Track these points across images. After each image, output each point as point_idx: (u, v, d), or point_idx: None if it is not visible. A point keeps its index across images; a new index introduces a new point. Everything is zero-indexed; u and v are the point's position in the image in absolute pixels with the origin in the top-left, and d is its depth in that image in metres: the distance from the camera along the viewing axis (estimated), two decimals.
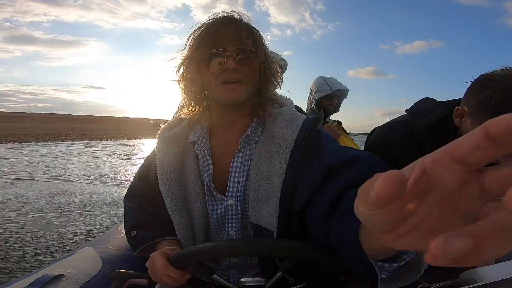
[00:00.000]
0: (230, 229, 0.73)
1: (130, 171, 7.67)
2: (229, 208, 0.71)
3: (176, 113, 1.85)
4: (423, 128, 0.82)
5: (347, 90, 1.96)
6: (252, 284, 0.63)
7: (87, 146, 14.53)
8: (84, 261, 1.07)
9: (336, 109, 1.96)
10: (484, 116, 0.72)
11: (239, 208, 0.71)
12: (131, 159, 10.50)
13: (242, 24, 0.67)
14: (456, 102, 0.84)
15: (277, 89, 0.76)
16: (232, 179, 0.71)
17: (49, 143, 14.80)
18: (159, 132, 0.77)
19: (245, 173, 0.70)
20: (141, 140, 21.42)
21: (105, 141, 18.53)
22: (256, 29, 0.69)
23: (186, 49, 0.70)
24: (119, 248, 1.17)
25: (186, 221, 0.73)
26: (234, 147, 0.71)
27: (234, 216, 0.72)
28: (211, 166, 0.73)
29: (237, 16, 0.67)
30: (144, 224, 0.75)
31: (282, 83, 0.76)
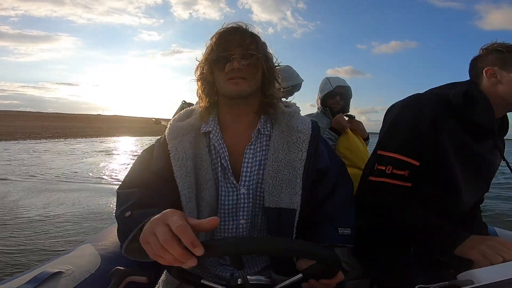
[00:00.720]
0: (241, 217, 0.79)
1: (115, 167, 7.59)
2: (241, 196, 0.78)
3: (176, 112, 1.87)
4: (460, 94, 0.92)
5: (349, 88, 1.96)
6: (260, 283, 0.63)
7: (64, 144, 14.12)
8: (83, 258, 1.07)
9: (344, 108, 1.96)
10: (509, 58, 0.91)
11: (251, 196, 0.78)
12: (112, 156, 10.42)
13: (247, 33, 0.79)
14: (464, 82, 0.98)
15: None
16: (245, 169, 0.79)
17: (21, 141, 14.23)
18: (170, 122, 0.82)
19: (257, 163, 0.79)
20: (118, 138, 20.93)
21: (81, 139, 17.87)
22: (259, 37, 0.81)
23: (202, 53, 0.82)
24: (118, 246, 1.17)
25: (195, 210, 0.76)
26: (245, 139, 0.80)
27: (245, 205, 0.78)
28: (227, 154, 0.79)
29: (244, 26, 0.79)
30: (141, 204, 0.68)
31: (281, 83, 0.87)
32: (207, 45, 0.80)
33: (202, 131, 0.81)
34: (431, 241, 0.83)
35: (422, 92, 1.02)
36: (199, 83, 0.83)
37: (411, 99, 0.98)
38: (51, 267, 0.98)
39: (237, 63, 0.76)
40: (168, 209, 0.55)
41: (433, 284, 0.65)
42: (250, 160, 0.79)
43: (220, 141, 0.80)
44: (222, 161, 0.79)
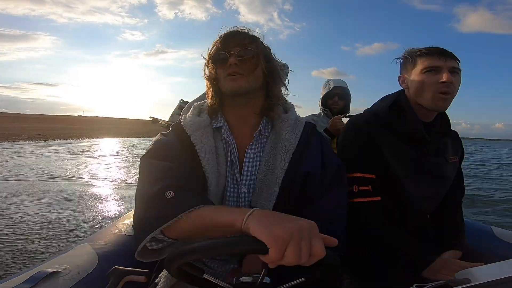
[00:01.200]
0: None
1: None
2: (242, 195, 0.80)
3: (174, 111, 1.85)
4: (386, 108, 1.00)
5: (347, 88, 2.00)
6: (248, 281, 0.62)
7: (46, 146, 13.53)
8: (80, 258, 1.07)
9: (343, 109, 1.99)
10: (414, 62, 0.97)
11: (250, 195, 0.80)
12: (95, 157, 10.27)
13: (246, 35, 0.82)
14: (394, 93, 1.05)
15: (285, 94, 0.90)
16: (246, 168, 0.81)
17: None
18: (184, 117, 0.84)
19: (257, 164, 0.82)
20: (100, 139, 19.97)
21: (63, 141, 16.87)
22: (259, 39, 0.84)
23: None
24: (116, 245, 1.17)
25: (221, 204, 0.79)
26: (248, 140, 0.83)
27: (246, 204, 0.80)
28: (236, 149, 0.82)
29: (244, 29, 0.83)
30: (180, 186, 0.65)
31: (288, 83, 0.90)
32: (210, 47, 0.84)
33: (214, 127, 0.83)
34: (404, 262, 0.88)
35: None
36: (208, 83, 0.85)
37: (350, 122, 1.07)
38: (48, 267, 0.98)
39: (234, 59, 0.79)
40: (303, 220, 0.52)
41: (430, 283, 0.65)
42: (251, 160, 0.82)
43: (230, 136, 0.83)
44: (232, 157, 0.81)
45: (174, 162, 0.72)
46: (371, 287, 1.00)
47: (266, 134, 0.84)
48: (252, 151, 0.82)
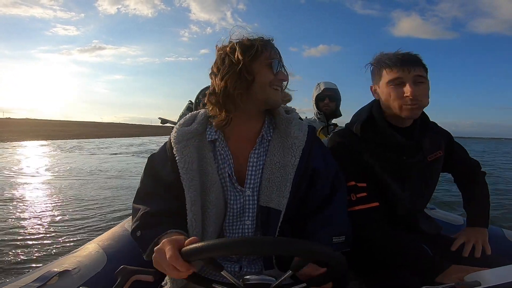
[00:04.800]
0: (246, 218, 0.82)
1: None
2: (247, 198, 0.82)
3: (183, 112, 1.89)
4: (359, 128, 1.02)
5: (337, 90, 2.04)
6: (259, 282, 0.63)
7: None
8: (89, 257, 1.08)
9: (336, 113, 2.04)
10: (380, 73, 0.98)
11: (255, 197, 0.82)
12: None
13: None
14: (371, 102, 1.07)
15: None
16: (249, 172, 0.82)
17: None
18: (176, 126, 0.85)
19: (261, 166, 0.83)
20: (28, 142, 16.62)
21: None
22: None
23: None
24: (124, 245, 1.18)
25: (200, 213, 0.78)
26: (249, 144, 0.84)
27: (251, 206, 0.82)
28: (232, 161, 0.82)
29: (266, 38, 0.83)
30: (147, 223, 0.76)
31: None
32: (241, 51, 0.78)
33: (208, 140, 0.83)
34: (413, 267, 0.88)
35: None
36: (229, 93, 0.78)
37: (333, 136, 1.09)
38: (57, 266, 0.99)
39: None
40: (164, 240, 0.62)
41: (439, 285, 0.65)
42: (254, 164, 0.83)
43: (225, 148, 0.83)
44: (227, 169, 0.82)
45: (158, 181, 0.83)
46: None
47: (268, 138, 0.85)
48: (256, 155, 0.83)
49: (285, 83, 0.86)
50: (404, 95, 0.91)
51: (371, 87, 1.06)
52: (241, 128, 0.84)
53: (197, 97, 2.02)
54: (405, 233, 1.01)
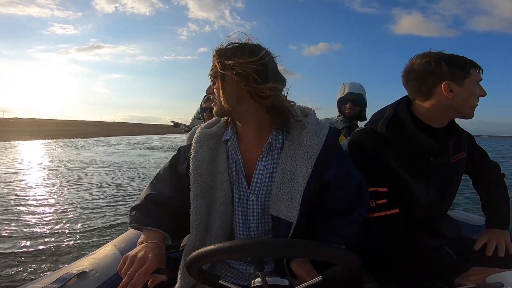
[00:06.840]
0: (252, 221, 0.83)
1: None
2: (251, 202, 0.82)
3: (195, 116, 1.95)
4: (384, 127, 0.97)
5: (361, 95, 1.91)
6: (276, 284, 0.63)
7: None
8: (106, 259, 1.11)
9: (360, 116, 1.93)
10: (458, 72, 0.92)
11: (259, 204, 0.82)
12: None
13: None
14: (396, 101, 1.02)
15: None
16: (255, 179, 0.82)
17: None
18: (199, 128, 0.88)
19: (267, 175, 0.81)
20: (28, 142, 17.06)
21: None
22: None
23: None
24: None
25: (204, 208, 0.82)
26: (257, 151, 0.82)
27: (255, 211, 0.82)
28: (241, 161, 0.84)
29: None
30: (145, 209, 0.83)
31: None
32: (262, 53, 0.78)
33: (223, 140, 0.86)
34: (431, 272, 0.85)
35: None
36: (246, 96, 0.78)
37: (353, 139, 1.05)
38: (75, 268, 1.02)
39: None
40: (152, 245, 0.74)
41: (459, 287, 0.63)
42: (261, 172, 0.82)
43: (236, 149, 0.84)
44: (237, 167, 0.84)
45: (174, 170, 0.89)
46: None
47: (278, 145, 0.81)
48: (262, 163, 0.82)
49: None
50: (481, 94, 0.95)
51: (445, 84, 0.92)
52: (249, 135, 0.84)
53: (201, 105, 2.02)
54: (425, 237, 0.98)
